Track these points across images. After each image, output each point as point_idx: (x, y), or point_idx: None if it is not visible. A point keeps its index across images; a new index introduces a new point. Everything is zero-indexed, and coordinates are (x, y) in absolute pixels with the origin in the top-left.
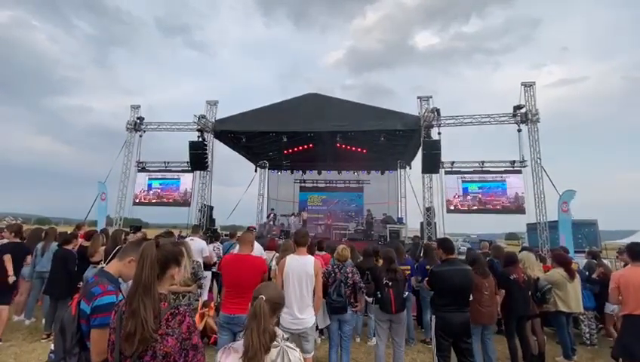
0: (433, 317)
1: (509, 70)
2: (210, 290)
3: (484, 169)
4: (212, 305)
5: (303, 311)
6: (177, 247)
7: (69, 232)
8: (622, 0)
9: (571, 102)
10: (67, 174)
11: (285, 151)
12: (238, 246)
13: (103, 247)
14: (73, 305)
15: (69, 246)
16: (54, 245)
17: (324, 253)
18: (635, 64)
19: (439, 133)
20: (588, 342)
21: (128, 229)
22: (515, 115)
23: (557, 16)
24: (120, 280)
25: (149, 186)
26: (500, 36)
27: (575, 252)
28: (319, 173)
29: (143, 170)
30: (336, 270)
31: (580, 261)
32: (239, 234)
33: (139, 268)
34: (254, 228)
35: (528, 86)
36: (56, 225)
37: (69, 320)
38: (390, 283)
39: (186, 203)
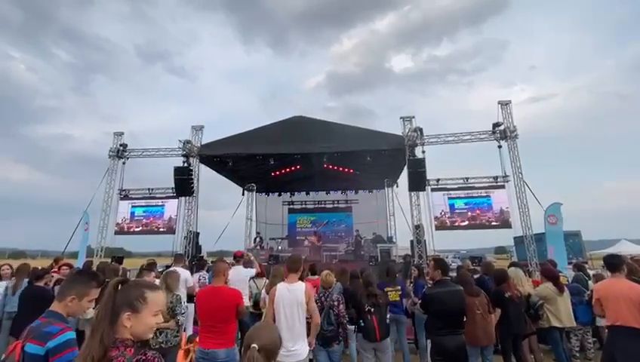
0: (429, 341)
1: (482, 90)
2: (196, 323)
3: (468, 185)
4: (197, 339)
5: (295, 342)
6: (139, 289)
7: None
8: (582, 24)
9: (545, 118)
10: (45, 204)
11: (273, 174)
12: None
13: None
14: (17, 352)
15: (41, 283)
16: (26, 282)
17: (316, 277)
18: (599, 81)
19: (423, 152)
20: (577, 356)
21: (109, 260)
22: (494, 132)
23: (522, 38)
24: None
25: (132, 214)
26: (471, 58)
27: (569, 263)
28: (307, 194)
29: (125, 197)
30: (323, 298)
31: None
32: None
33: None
34: (241, 254)
35: (505, 104)
36: (33, 258)
37: None
38: (372, 309)
39: (170, 230)
